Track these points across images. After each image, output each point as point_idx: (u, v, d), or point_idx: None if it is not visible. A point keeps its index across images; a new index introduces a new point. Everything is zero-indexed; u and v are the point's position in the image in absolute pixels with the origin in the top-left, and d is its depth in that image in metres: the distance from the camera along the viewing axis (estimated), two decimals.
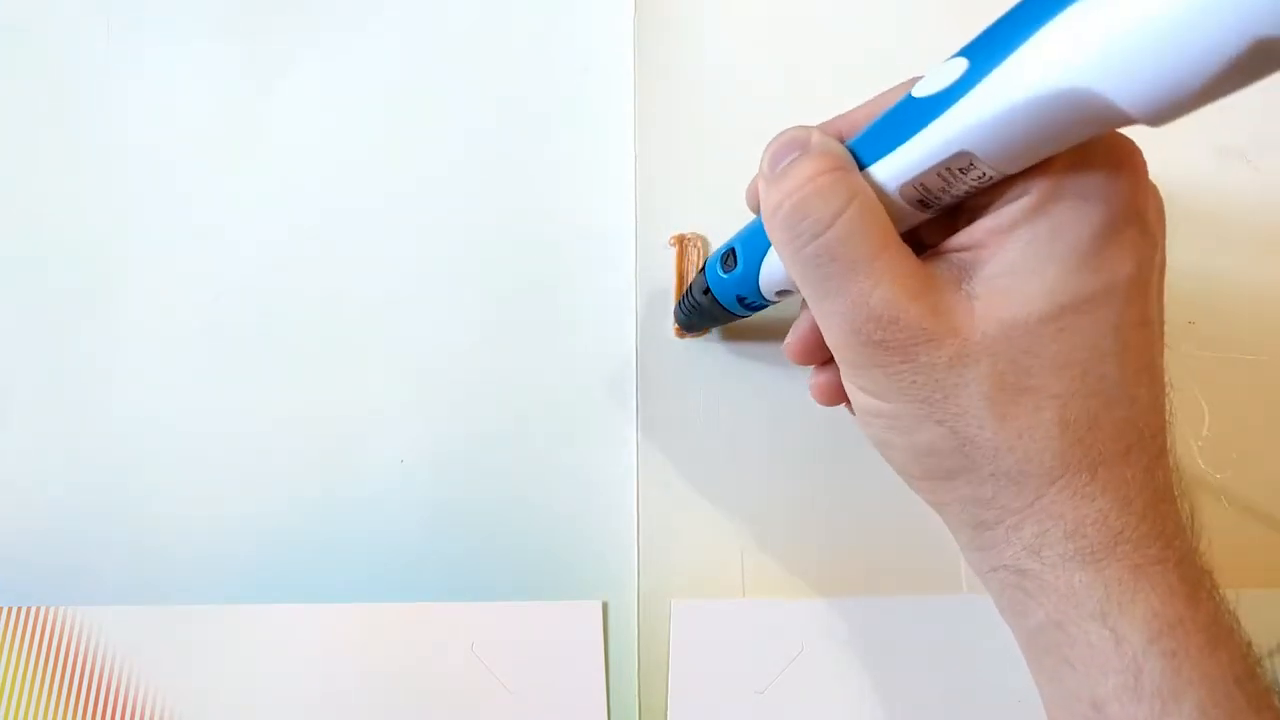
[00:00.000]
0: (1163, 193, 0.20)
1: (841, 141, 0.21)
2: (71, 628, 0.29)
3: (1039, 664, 0.21)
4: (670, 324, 0.31)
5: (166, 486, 0.30)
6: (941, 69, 0.19)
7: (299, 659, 0.28)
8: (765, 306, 0.26)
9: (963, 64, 0.18)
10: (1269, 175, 0.33)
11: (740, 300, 0.26)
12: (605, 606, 0.29)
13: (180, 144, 0.34)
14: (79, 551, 0.30)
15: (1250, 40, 0.14)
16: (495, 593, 0.29)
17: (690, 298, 0.28)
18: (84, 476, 0.30)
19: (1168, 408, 0.21)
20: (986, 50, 0.18)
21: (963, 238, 0.20)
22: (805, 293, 0.21)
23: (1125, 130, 0.18)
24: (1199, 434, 0.31)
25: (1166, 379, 0.21)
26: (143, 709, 0.28)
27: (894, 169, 0.20)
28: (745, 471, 0.30)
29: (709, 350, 0.31)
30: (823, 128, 0.22)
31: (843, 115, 0.22)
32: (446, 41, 0.35)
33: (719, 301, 0.27)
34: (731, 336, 0.31)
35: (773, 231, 0.21)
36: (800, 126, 0.22)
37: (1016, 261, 0.19)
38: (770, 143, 0.22)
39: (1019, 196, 0.19)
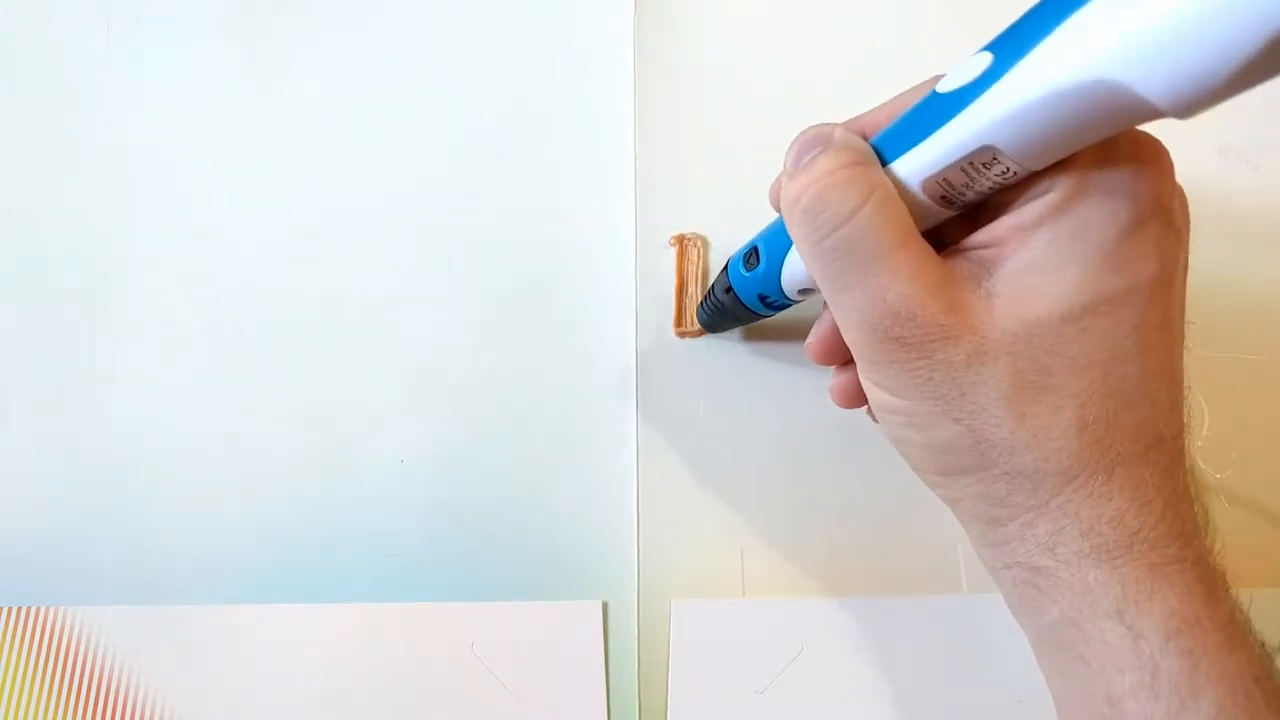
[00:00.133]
0: None
1: (865, 139, 0.21)
2: (71, 628, 0.29)
3: (1051, 661, 0.21)
4: (670, 324, 0.31)
5: (166, 486, 0.30)
6: (966, 64, 0.19)
7: (299, 659, 0.28)
8: (788, 306, 0.26)
9: (987, 58, 0.18)
10: (1270, 175, 0.33)
11: (763, 299, 0.26)
12: (605, 606, 0.29)
13: (180, 144, 0.34)
14: (79, 551, 0.30)
15: (1279, 29, 0.14)
16: (495, 593, 0.29)
17: (713, 297, 0.28)
18: (84, 476, 0.30)
19: (1186, 409, 0.21)
20: (1011, 44, 0.18)
21: (984, 235, 0.20)
22: (823, 288, 0.21)
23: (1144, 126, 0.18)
24: (1199, 434, 0.31)
25: (1186, 382, 0.21)
26: (143, 709, 0.28)
27: (917, 164, 0.20)
28: (745, 471, 0.30)
29: (709, 350, 0.31)
30: (847, 125, 0.22)
31: (867, 113, 0.22)
32: (446, 41, 0.35)
33: (741, 300, 0.27)
34: (752, 336, 0.31)
35: (792, 225, 0.21)
36: (824, 123, 0.22)
37: (1039, 259, 0.19)
38: (795, 139, 0.22)
39: (1042, 194, 0.19)
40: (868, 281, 0.20)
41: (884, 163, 0.21)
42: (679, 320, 0.31)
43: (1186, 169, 0.20)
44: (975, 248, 0.20)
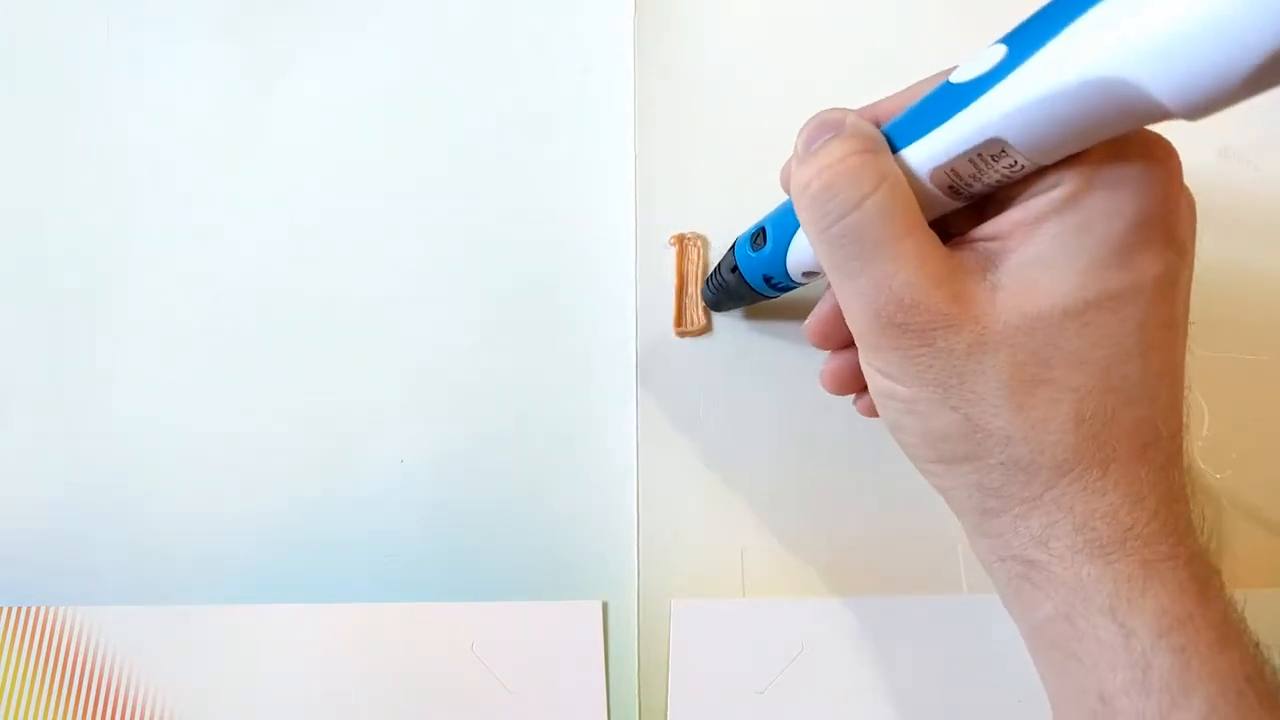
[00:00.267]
0: None
1: (877, 125, 0.21)
2: (71, 628, 0.29)
3: (1045, 657, 0.21)
4: (670, 324, 0.31)
5: (166, 486, 0.30)
6: (980, 55, 0.19)
7: (299, 659, 0.28)
8: (792, 288, 0.26)
9: (1001, 50, 0.18)
10: (1270, 176, 0.33)
11: (767, 280, 0.26)
12: (605, 606, 0.29)
13: (180, 144, 0.34)
14: (79, 551, 0.30)
15: None
16: (495, 593, 0.29)
17: (718, 275, 0.28)
18: (84, 476, 0.30)
19: (1185, 409, 0.21)
20: (1026, 38, 0.18)
21: (990, 227, 0.20)
22: (829, 272, 0.21)
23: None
24: (1199, 434, 0.31)
25: (1186, 382, 0.21)
26: (143, 709, 0.28)
27: (926, 153, 0.20)
28: (745, 471, 0.30)
29: (709, 350, 0.31)
30: (861, 111, 0.22)
31: (882, 100, 0.22)
32: (446, 41, 0.35)
33: (745, 280, 0.27)
34: (755, 315, 0.31)
35: (801, 210, 0.21)
36: (837, 108, 0.22)
37: (1044, 254, 0.19)
38: (806, 123, 0.22)
39: (1050, 189, 0.19)
40: (874, 268, 0.20)
41: (894, 150, 0.21)
42: (679, 320, 0.31)
43: (1188, 169, 0.20)
44: (981, 240, 0.20)
